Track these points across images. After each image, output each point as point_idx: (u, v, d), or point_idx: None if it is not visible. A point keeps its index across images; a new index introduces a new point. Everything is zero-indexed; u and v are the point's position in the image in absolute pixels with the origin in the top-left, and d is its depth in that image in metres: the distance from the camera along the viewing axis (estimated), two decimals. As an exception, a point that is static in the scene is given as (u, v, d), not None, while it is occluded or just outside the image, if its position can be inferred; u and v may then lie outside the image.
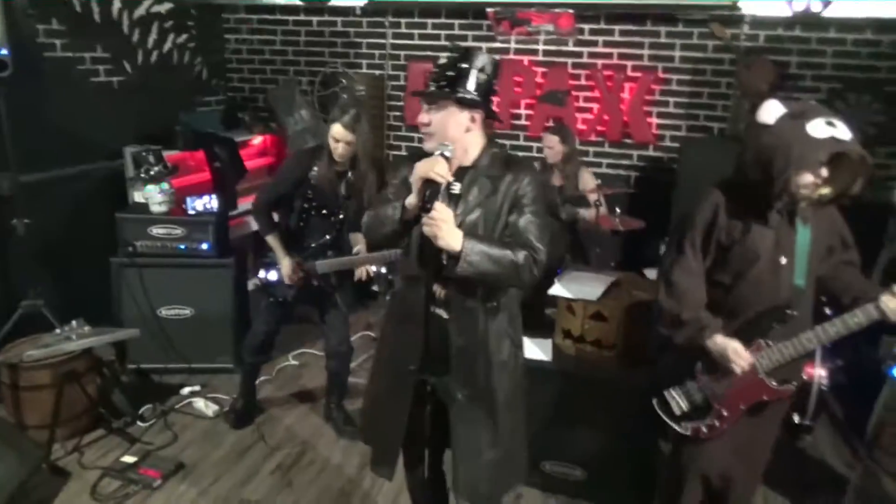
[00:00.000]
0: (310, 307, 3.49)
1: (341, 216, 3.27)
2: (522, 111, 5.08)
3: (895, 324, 2.04)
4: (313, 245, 3.27)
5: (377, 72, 5.33)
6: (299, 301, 3.35)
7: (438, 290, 1.99)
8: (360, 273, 3.33)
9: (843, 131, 1.96)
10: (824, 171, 2.02)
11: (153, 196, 3.86)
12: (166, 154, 4.20)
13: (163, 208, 3.89)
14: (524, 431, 2.18)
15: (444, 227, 1.79)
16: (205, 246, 3.90)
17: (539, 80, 4.95)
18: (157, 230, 3.86)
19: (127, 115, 4.52)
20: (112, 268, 3.87)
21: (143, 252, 3.87)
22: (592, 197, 4.14)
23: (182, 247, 3.90)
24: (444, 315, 2.00)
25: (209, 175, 4.59)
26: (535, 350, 3.01)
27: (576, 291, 3.01)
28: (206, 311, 3.92)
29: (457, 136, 1.88)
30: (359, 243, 3.32)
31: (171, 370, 3.96)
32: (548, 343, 3.07)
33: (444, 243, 1.80)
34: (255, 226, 3.46)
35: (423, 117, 1.88)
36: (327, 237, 3.27)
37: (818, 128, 1.94)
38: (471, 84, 1.85)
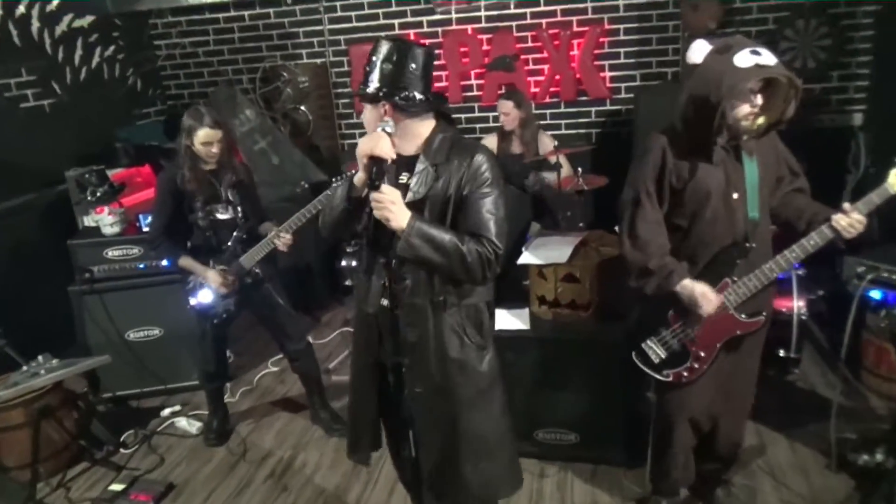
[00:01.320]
0: (250, 315, 3.51)
1: (239, 208, 3.29)
2: (473, 81, 5.22)
3: (850, 242, 2.15)
4: (228, 245, 3.30)
5: (319, 60, 5.38)
6: (239, 311, 3.38)
7: (388, 278, 2.03)
8: (281, 245, 3.25)
9: (767, 58, 2.04)
10: (759, 100, 2.10)
11: (103, 218, 3.86)
12: (110, 173, 4.20)
13: (115, 229, 3.90)
14: (502, 435, 2.13)
15: (394, 208, 1.82)
16: (165, 262, 3.88)
17: (485, 47, 5.06)
18: (112, 252, 3.88)
19: (63, 138, 4.54)
20: (71, 297, 3.87)
21: (101, 277, 3.87)
22: (553, 159, 4.21)
23: (142, 266, 3.92)
24: (394, 309, 2.03)
25: (154, 190, 4.60)
26: (513, 320, 3.09)
27: (545, 257, 3.06)
28: (175, 328, 3.91)
29: (375, 129, 1.93)
30: (270, 228, 3.32)
31: (148, 393, 3.99)
32: (525, 312, 3.14)
33: (395, 224, 1.83)
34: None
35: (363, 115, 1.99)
36: (236, 234, 3.29)
37: (743, 58, 2.03)
38: (375, 78, 1.90)
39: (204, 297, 3.31)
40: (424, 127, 1.96)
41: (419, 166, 1.94)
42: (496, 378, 2.13)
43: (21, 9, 4.38)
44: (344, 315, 4.85)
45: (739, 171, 2.21)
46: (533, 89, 5.01)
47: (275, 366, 4.32)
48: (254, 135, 5.08)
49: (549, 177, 4.30)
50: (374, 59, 1.89)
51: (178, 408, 3.90)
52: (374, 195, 1.81)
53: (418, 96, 1.90)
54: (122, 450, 3.54)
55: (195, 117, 3.12)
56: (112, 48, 5.13)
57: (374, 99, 1.91)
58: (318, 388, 3.64)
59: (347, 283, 4.99)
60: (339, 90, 5.43)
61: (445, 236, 1.86)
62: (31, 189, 4.31)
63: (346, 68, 5.32)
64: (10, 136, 4.24)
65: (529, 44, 4.96)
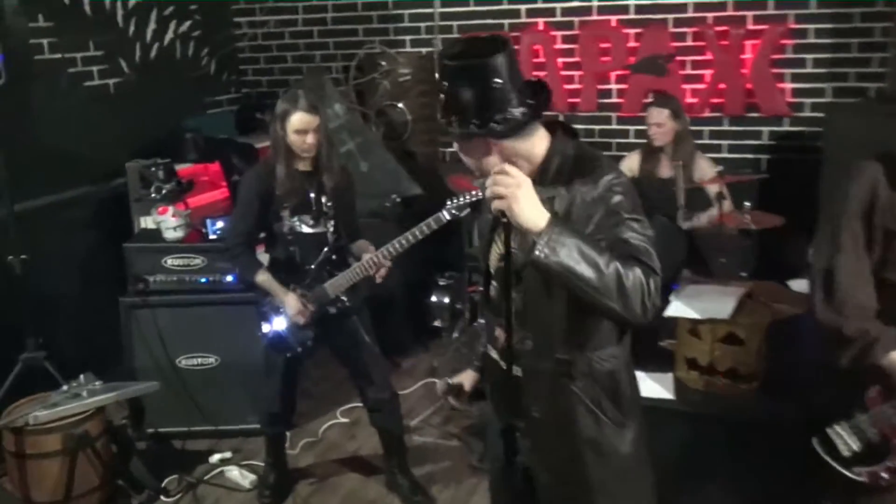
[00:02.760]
0: (324, 351, 3.63)
1: (331, 222, 3.43)
2: (612, 86, 5.21)
3: None
4: (312, 267, 3.42)
5: (425, 50, 5.49)
6: (318, 346, 3.51)
7: (499, 332, 2.07)
8: (378, 278, 3.39)
9: None
10: None
11: (166, 220, 4.05)
12: (178, 168, 4.40)
13: (178, 234, 4.08)
14: None
15: (521, 193, 1.74)
16: (230, 278, 4.07)
17: (632, 44, 5.06)
18: (172, 261, 4.06)
19: (126, 123, 4.80)
20: (121, 309, 4.06)
21: (156, 288, 4.06)
22: (713, 189, 4.15)
23: (204, 279, 4.09)
24: (517, 371, 2.04)
25: (227, 191, 4.82)
26: (653, 386, 3.08)
27: (700, 309, 3.04)
28: (234, 358, 4.05)
29: (481, 166, 1.94)
30: (366, 251, 3.45)
31: (196, 433, 4.14)
32: (668, 377, 3.14)
33: (522, 218, 1.74)
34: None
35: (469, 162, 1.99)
36: (325, 252, 3.42)
37: None
38: (458, 111, 1.87)
39: (278, 324, 3.42)
40: (537, 143, 1.97)
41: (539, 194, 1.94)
42: (642, 463, 2.13)
43: (95, -26, 4.84)
44: (429, 362, 4.90)
45: None
46: (689, 99, 4.97)
47: (345, 416, 4.41)
48: (342, 133, 5.23)
49: (704, 216, 4.25)
50: (445, 89, 1.88)
51: (228, 454, 4.03)
52: (495, 176, 1.76)
53: (517, 112, 1.87)
54: (163, 497, 3.68)
55: (289, 100, 3.27)
56: (188, 24, 5.47)
57: (466, 137, 1.92)
58: (399, 448, 3.70)
59: (437, 323, 5.08)
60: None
61: (592, 245, 1.79)
62: (85, 181, 4.59)
63: None
64: (70, 118, 4.51)
65: (688, 42, 4.93)
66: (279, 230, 3.41)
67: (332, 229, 3.45)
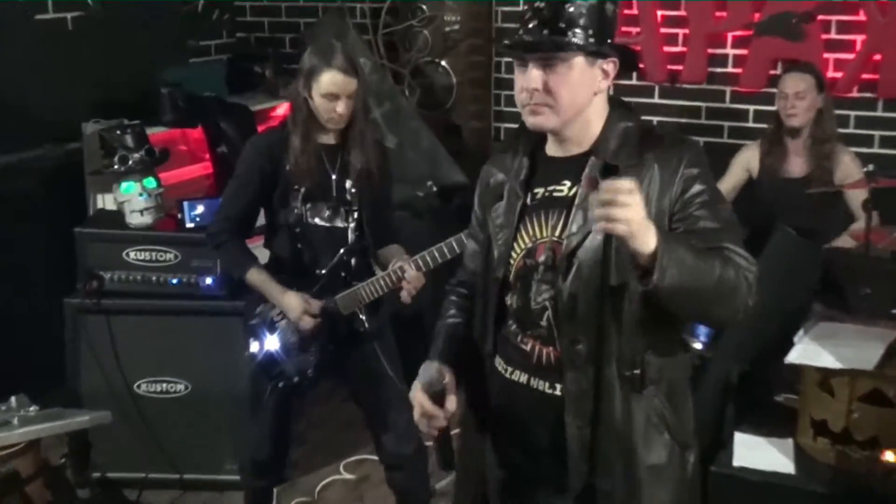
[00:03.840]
0: (333, 384, 3.75)
1: (355, 215, 3.47)
2: (728, 51, 5.16)
3: None
4: (323, 272, 3.46)
5: None
6: (322, 375, 3.53)
7: (536, 346, 2.16)
8: (405, 295, 3.38)
9: None
10: None
11: (133, 200, 4.03)
12: (149, 132, 4.35)
13: (146, 219, 4.07)
14: None
15: (639, 210, 1.80)
16: (209, 280, 4.06)
17: None
18: (136, 254, 4.03)
19: (86, 72, 4.81)
20: (66, 313, 4.04)
21: (114, 289, 4.02)
22: (859, 196, 4.06)
23: (175, 280, 4.06)
24: (552, 390, 2.15)
25: (211, 166, 4.87)
26: (766, 455, 3.06)
27: (835, 357, 3.02)
28: (210, 386, 4.03)
29: (584, 104, 2.09)
30: (395, 257, 3.45)
31: (156, 482, 4.09)
32: (787, 444, 3.12)
33: (639, 240, 1.81)
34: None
35: (534, 80, 2.04)
36: (342, 254, 3.45)
37: None
38: (595, 22, 2.02)
39: (272, 344, 3.43)
40: (595, 110, 2.14)
41: (589, 169, 2.09)
42: (698, 494, 2.27)
43: None
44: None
45: None
46: (831, 74, 4.85)
47: (350, 471, 4.35)
48: (366, 98, 5.33)
49: (846, 235, 4.17)
50: None
51: (196, 512, 4.13)
52: (608, 190, 1.80)
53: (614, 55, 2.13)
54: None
55: (321, 52, 3.33)
56: None
57: (599, 54, 2.06)
58: (419, 518, 3.80)
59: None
60: (508, 40, 5.41)
61: (694, 253, 1.92)
62: (28, 144, 4.58)
63: (518, 7, 5.19)
64: (16, 59, 4.52)
65: None
66: (285, 219, 3.44)
67: (353, 225, 3.48)
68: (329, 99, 3.28)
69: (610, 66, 2.09)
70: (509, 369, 2.25)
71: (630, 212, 1.75)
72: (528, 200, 2.19)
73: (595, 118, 2.12)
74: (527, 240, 2.17)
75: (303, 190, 3.40)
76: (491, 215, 2.25)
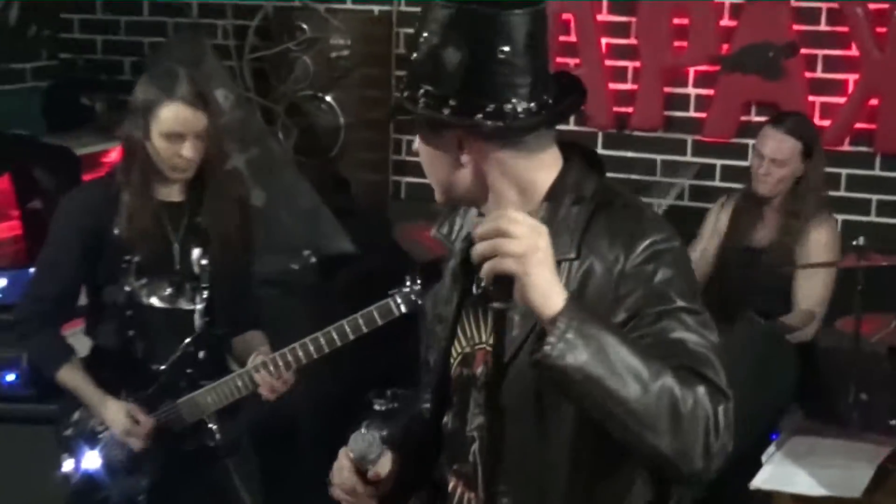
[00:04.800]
0: None
1: (204, 294, 3.45)
2: (690, 90, 5.17)
3: None
4: (162, 368, 3.40)
5: (375, 8, 5.47)
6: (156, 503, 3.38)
7: (454, 484, 2.12)
8: (266, 392, 3.35)
9: None
10: None
11: None
12: None
13: None
14: None
15: (539, 253, 1.71)
16: (11, 377, 4.02)
17: (726, 22, 5.06)
18: None
19: None
20: None
21: None
22: (811, 280, 4.27)
23: None
24: None
25: (19, 225, 4.75)
26: None
27: (813, 481, 3.15)
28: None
29: (454, 182, 1.99)
30: (257, 346, 3.44)
31: None
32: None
33: (534, 292, 1.71)
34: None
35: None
36: (187, 345, 3.42)
37: None
38: (431, 79, 1.91)
39: (91, 461, 3.32)
40: (542, 167, 1.99)
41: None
42: None
43: None
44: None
45: None
46: (818, 121, 4.87)
47: None
48: (222, 140, 4.95)
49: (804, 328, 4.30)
50: (424, 37, 1.92)
51: None
52: (500, 221, 1.71)
53: (521, 108, 1.90)
54: None
55: (161, 80, 3.26)
56: None
57: (435, 124, 1.93)
58: None
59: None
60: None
61: (630, 346, 1.79)
62: None
63: None
64: None
65: (821, 25, 4.93)
66: (112, 299, 3.34)
67: (202, 307, 3.42)
68: (171, 140, 3.20)
69: (462, 138, 1.93)
70: None
71: (520, 244, 1.66)
72: (473, 288, 2.09)
73: (540, 174, 1.98)
74: (464, 342, 2.10)
75: (136, 261, 3.30)
76: (433, 301, 2.23)
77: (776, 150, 4.39)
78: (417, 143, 2.01)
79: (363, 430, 2.13)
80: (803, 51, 5.03)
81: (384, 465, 2.12)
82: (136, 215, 3.27)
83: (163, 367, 3.38)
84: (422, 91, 1.90)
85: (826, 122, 5.02)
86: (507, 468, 1.95)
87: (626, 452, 1.88)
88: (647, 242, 1.89)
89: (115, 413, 3.29)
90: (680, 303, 1.88)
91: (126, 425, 3.27)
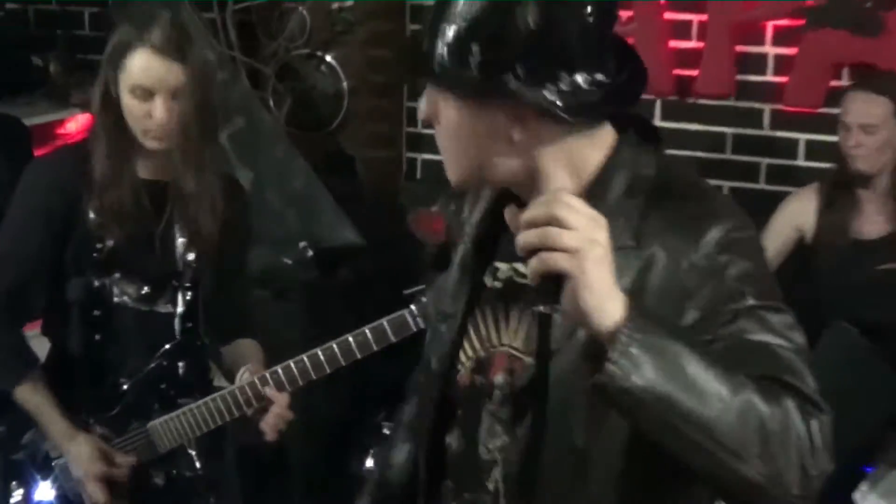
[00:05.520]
0: None
1: (186, 294, 3.49)
2: (767, 49, 5.07)
3: None
4: (127, 385, 3.45)
5: None
6: None
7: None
8: (268, 427, 3.32)
9: None
10: None
11: None
12: None
13: None
14: None
15: (598, 249, 1.65)
16: None
17: None
18: None
19: None
20: None
21: None
22: None
23: None
24: None
25: None
26: None
27: None
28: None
29: (489, 158, 1.92)
30: (249, 358, 3.47)
31: None
32: None
33: (591, 298, 1.65)
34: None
35: (421, 108, 1.97)
36: (165, 352, 3.48)
37: None
38: (513, 41, 1.85)
39: (44, 493, 3.37)
40: (595, 145, 1.94)
41: None
42: None
43: None
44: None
45: None
46: None
47: None
48: (208, 104, 5.02)
49: None
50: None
51: None
52: (549, 206, 1.66)
53: (582, 82, 1.86)
54: None
55: (134, 20, 3.21)
56: None
57: (490, 93, 1.86)
58: None
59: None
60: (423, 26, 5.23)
61: (706, 357, 1.75)
62: None
63: None
64: None
65: None
66: (76, 294, 3.31)
67: (183, 309, 3.43)
68: (139, 96, 3.14)
69: (524, 110, 1.89)
70: None
71: (577, 237, 1.61)
72: (487, 280, 2.06)
73: (591, 154, 1.95)
74: (477, 345, 2.05)
75: (107, 247, 3.29)
76: (437, 295, 2.16)
77: (863, 113, 4.34)
78: (441, 111, 1.90)
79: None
80: None
81: None
82: (108, 191, 3.22)
83: (126, 384, 3.40)
84: (475, 49, 1.85)
85: None
86: (545, 495, 2.01)
87: (684, 475, 1.89)
88: (718, 229, 1.89)
89: (85, 453, 3.30)
90: (759, 300, 1.87)
91: (96, 470, 3.29)
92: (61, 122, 5.50)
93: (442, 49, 1.87)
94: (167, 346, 3.38)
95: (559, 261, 1.61)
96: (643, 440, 1.84)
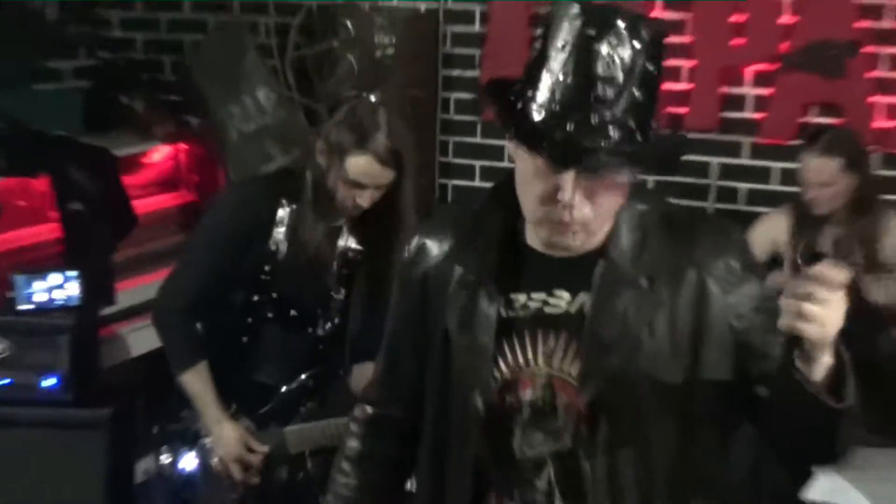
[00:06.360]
0: None
1: (336, 320, 3.30)
2: (746, 90, 4.69)
3: None
4: (283, 389, 3.26)
5: (422, 5, 5.01)
6: None
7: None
8: None
9: None
10: None
11: None
12: None
13: None
14: None
15: (837, 312, 1.62)
16: (50, 381, 3.81)
17: (786, 18, 4.55)
18: None
19: None
20: None
21: None
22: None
23: (6, 381, 3.79)
24: None
25: (58, 228, 4.41)
26: None
27: (870, 496, 3.04)
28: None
29: (611, 217, 1.91)
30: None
31: None
32: None
33: (821, 351, 1.66)
34: (150, 343, 3.51)
35: (568, 192, 1.78)
36: (309, 368, 3.27)
37: None
38: (645, 105, 1.75)
39: (187, 464, 3.25)
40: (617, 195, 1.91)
41: (612, 275, 1.90)
42: None
43: None
44: None
45: None
46: (881, 123, 4.45)
47: None
48: (263, 140, 4.91)
49: None
50: (600, 51, 1.71)
51: None
52: (810, 273, 1.64)
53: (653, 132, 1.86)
54: None
55: (356, 128, 3.05)
56: None
57: (652, 161, 1.85)
58: None
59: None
60: (454, 71, 5.04)
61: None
62: None
63: (474, 27, 5.01)
64: None
65: (884, 21, 4.41)
66: (238, 302, 3.21)
67: (327, 334, 3.31)
68: (354, 187, 3.09)
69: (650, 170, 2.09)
70: None
71: (831, 312, 1.61)
72: (505, 312, 1.93)
73: (613, 202, 1.91)
74: (504, 368, 1.93)
75: (275, 272, 3.20)
76: (455, 334, 1.97)
77: (818, 172, 4.12)
78: (586, 182, 1.77)
79: None
80: (865, 49, 4.55)
81: None
82: (307, 232, 3.16)
83: (283, 389, 3.28)
84: (608, 119, 1.71)
85: (890, 124, 4.60)
86: (622, 487, 1.92)
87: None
88: (737, 254, 1.92)
89: (229, 437, 3.15)
90: (769, 302, 1.86)
91: (237, 455, 3.15)
92: (144, 153, 5.17)
93: (618, 131, 1.74)
94: (317, 368, 3.32)
95: (808, 330, 1.59)
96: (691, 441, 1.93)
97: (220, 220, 3.23)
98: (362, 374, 3.27)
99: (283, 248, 3.13)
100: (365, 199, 3.05)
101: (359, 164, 2.99)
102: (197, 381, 3.14)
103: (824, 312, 1.55)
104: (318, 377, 3.31)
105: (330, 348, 3.33)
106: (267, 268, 3.14)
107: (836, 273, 1.56)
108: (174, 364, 3.18)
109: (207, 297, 3.19)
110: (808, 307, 1.54)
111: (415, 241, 2.11)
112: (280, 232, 3.13)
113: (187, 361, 3.14)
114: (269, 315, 3.19)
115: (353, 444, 2.27)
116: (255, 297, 3.16)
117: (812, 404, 1.64)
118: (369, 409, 2.27)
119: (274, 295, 3.17)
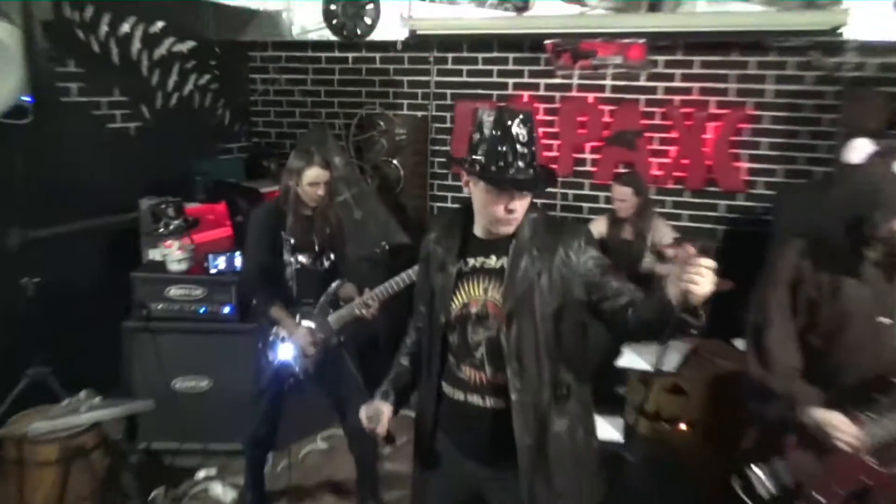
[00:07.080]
0: (319, 384, 3.56)
1: (326, 264, 3.49)
2: (587, 155, 5.22)
3: None
4: (310, 301, 3.44)
5: (420, 113, 5.57)
6: (315, 373, 3.46)
7: (470, 372, 2.07)
8: (367, 314, 3.41)
9: None
10: None
11: (172, 253, 4.11)
12: (186, 206, 4.43)
13: (182, 266, 4.14)
14: None
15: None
16: (227, 309, 4.12)
17: (606, 119, 5.08)
18: (175, 291, 4.11)
19: (143, 164, 4.81)
20: (124, 332, 4.09)
21: (158, 315, 4.09)
22: (670, 253, 4.11)
23: (202, 310, 4.12)
24: (483, 403, 2.05)
25: (230, 230, 4.80)
26: (605, 428, 3.12)
27: (650, 362, 3.11)
28: (225, 383, 4.07)
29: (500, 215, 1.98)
30: (352, 294, 3.47)
31: (185, 451, 4.12)
32: (619, 421, 3.20)
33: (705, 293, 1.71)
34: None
35: (516, 205, 1.95)
36: (333, 288, 3.45)
37: None
38: (526, 157, 1.92)
39: (284, 353, 3.39)
40: (525, 204, 2.02)
41: (519, 248, 1.98)
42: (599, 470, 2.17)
43: (125, 27, 4.71)
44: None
45: (892, 292, 2.20)
46: (655, 171, 4.99)
47: (324, 441, 4.38)
48: (339, 184, 5.15)
49: (662, 269, 4.19)
50: (513, 131, 1.86)
51: (213, 472, 4.00)
52: (701, 268, 1.67)
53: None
54: (148, 509, 3.73)
55: (304, 156, 3.34)
56: (207, 77, 5.46)
57: (529, 185, 1.92)
58: (372, 475, 3.68)
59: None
60: (437, 147, 5.58)
61: None
62: (103, 213, 4.49)
63: (447, 124, 5.48)
64: (91, 156, 4.51)
65: (657, 120, 4.96)
66: (278, 263, 3.40)
67: (326, 267, 3.49)
68: (313, 186, 3.32)
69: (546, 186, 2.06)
70: (451, 390, 2.13)
71: (710, 279, 1.67)
72: (463, 268, 2.08)
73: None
74: (463, 297, 2.07)
75: (291, 243, 3.38)
76: (435, 279, 2.12)
77: (619, 194, 4.44)
78: (525, 199, 1.96)
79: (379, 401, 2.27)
80: (647, 134, 5.07)
81: (385, 417, 2.23)
82: (295, 224, 3.39)
83: (317, 301, 3.44)
84: (534, 163, 1.91)
85: (660, 172, 5.08)
86: (521, 356, 1.99)
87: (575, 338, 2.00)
88: (580, 243, 1.97)
89: (300, 333, 3.38)
90: (604, 260, 1.99)
91: (307, 342, 3.37)
92: (276, 192, 4.77)
93: (518, 168, 1.89)
94: (332, 286, 3.45)
95: (699, 291, 1.66)
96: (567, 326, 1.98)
97: (256, 228, 3.44)
98: (346, 290, 3.48)
99: (290, 234, 3.34)
100: (321, 190, 3.34)
101: (310, 172, 3.30)
102: (277, 311, 3.37)
103: (708, 279, 1.66)
104: (325, 289, 3.44)
105: (330, 277, 3.48)
106: (289, 245, 3.35)
107: (710, 261, 1.68)
108: (265, 307, 3.40)
109: (263, 268, 3.40)
110: (703, 282, 1.65)
111: (427, 235, 2.23)
112: (288, 225, 3.35)
113: (270, 302, 3.38)
114: (297, 267, 3.41)
115: (405, 349, 2.36)
116: (285, 257, 3.35)
117: (669, 319, 1.73)
118: (412, 335, 2.36)
119: (299, 257, 3.40)
